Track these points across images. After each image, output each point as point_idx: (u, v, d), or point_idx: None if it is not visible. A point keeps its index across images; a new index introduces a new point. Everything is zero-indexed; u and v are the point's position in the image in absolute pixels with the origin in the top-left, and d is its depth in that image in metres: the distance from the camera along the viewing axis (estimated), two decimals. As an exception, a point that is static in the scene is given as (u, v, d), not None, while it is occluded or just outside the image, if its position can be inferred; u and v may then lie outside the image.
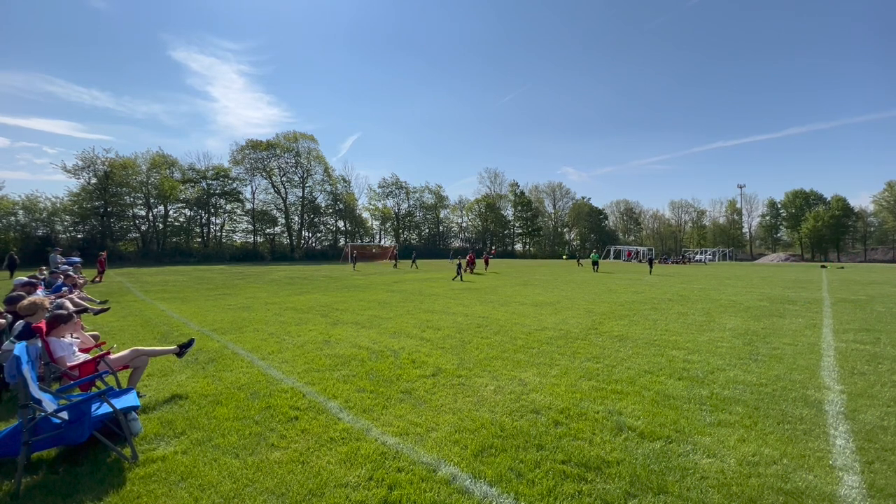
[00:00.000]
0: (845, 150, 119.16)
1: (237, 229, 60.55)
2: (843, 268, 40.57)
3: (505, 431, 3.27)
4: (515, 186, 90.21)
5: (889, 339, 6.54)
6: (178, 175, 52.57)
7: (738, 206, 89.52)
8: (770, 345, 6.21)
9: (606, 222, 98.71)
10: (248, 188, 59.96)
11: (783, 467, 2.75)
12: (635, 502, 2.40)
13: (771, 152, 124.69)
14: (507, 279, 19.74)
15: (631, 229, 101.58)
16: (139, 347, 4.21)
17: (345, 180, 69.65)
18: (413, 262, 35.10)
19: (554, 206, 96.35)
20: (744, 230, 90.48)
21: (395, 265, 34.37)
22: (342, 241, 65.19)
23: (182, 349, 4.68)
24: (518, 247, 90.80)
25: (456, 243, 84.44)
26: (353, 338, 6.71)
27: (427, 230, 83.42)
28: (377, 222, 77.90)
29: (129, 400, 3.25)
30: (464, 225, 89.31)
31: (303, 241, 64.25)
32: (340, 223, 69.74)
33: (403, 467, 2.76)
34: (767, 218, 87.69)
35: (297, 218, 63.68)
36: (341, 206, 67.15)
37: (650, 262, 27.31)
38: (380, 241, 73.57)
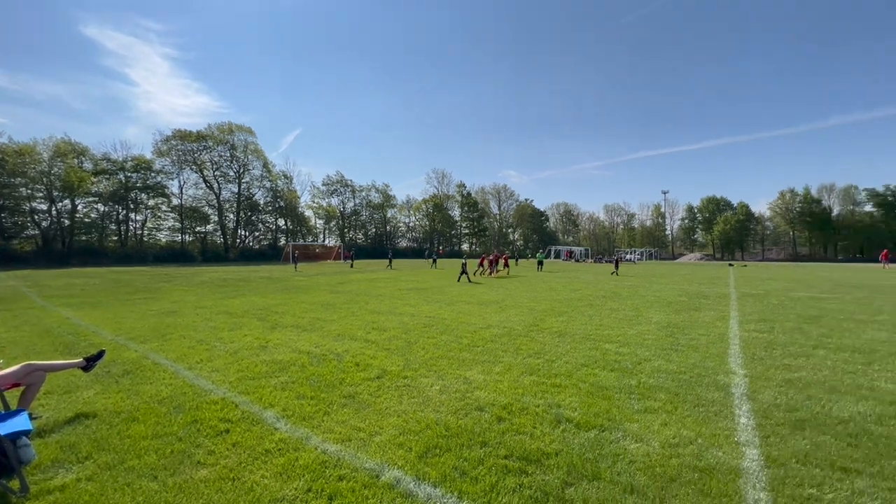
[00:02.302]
0: (752, 161, 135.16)
1: (162, 227, 55.47)
2: (745, 266, 46.33)
3: (450, 431, 3.28)
4: (462, 187, 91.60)
5: (780, 328, 7.52)
6: (88, 165, 46.84)
7: (662, 210, 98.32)
8: (688, 336, 6.87)
9: (548, 223, 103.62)
10: (176, 182, 55.10)
11: (698, 447, 3.03)
12: (572, 490, 2.51)
13: (690, 161, 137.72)
14: (452, 279, 19.94)
15: (569, 230, 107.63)
16: (33, 362, 3.65)
17: (286, 176, 66.39)
18: (390, 262, 34.68)
19: (499, 207, 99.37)
20: (667, 232, 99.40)
21: (352, 265, 33.61)
22: (283, 241, 62.03)
23: (90, 362, 4.13)
24: (465, 246, 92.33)
25: (403, 243, 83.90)
26: (293, 342, 6.38)
27: (374, 230, 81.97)
28: (321, 221, 75.18)
29: (19, 423, 2.80)
30: (411, 225, 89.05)
31: (238, 241, 60.22)
32: (281, 221, 66.37)
33: (345, 475, 2.66)
34: (686, 221, 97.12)
35: (231, 216, 59.61)
36: (282, 203, 63.89)
37: (616, 263, 28.40)
38: (324, 241, 70.99)
